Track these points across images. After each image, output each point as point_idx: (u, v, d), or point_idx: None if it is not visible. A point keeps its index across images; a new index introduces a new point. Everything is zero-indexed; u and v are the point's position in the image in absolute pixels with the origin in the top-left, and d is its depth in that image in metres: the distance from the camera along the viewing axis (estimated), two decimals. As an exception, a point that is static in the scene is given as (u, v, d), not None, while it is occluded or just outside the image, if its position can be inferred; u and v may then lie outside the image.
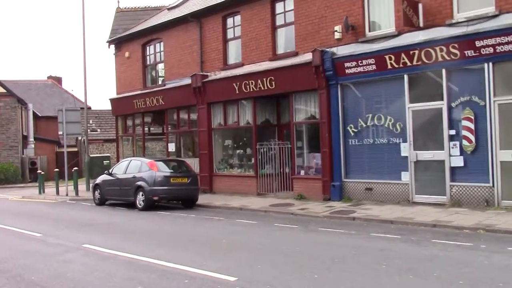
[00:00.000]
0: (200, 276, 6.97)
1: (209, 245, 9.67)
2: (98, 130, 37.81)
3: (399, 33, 13.64)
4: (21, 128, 37.11)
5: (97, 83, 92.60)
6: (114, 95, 24.39)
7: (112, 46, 24.22)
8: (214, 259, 8.09)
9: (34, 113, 39.73)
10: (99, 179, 17.71)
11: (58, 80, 49.61)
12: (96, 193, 17.47)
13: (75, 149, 42.82)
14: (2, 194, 26.06)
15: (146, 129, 23.77)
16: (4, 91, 35.58)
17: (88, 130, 38.27)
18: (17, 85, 40.18)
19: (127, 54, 23.17)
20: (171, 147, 21.02)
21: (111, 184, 16.86)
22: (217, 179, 19.03)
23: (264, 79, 16.80)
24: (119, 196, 16.69)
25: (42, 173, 24.51)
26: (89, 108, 45.76)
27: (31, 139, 37.72)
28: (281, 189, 17.04)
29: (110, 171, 17.39)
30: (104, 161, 33.28)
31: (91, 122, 38.04)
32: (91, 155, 34.47)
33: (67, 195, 20.66)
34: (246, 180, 17.93)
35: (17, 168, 35.51)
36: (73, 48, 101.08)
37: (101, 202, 17.29)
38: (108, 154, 34.39)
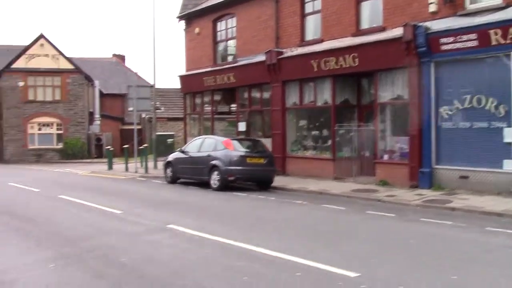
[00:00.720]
0: (310, 268, 6.18)
1: (304, 231, 8.88)
2: (162, 108, 37.74)
3: (507, 5, 12.23)
4: (88, 104, 37.61)
5: (161, 61, 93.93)
6: (181, 72, 23.94)
7: (182, 22, 23.69)
8: (317, 248, 7.29)
9: (99, 90, 40.19)
10: (171, 157, 17.28)
11: (122, 58, 50.06)
12: (168, 170, 17.05)
13: (139, 127, 43.19)
14: (71, 168, 26.37)
15: (215, 107, 23.14)
16: (73, 67, 36.08)
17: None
18: (83, 62, 40.64)
19: (197, 30, 22.58)
20: (241, 126, 20.32)
21: (184, 162, 16.39)
22: (290, 161, 18.21)
23: (346, 56, 15.72)
24: (192, 174, 16.19)
25: (111, 149, 24.37)
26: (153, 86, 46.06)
27: (97, 115, 38.22)
28: (360, 173, 16.02)
29: (183, 149, 16.91)
30: (168, 140, 33.25)
31: (155, 100, 38.08)
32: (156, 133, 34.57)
33: (136, 172, 20.47)
34: (322, 163, 17.02)
35: (84, 143, 36.09)
36: (136, 26, 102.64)
37: (173, 180, 16.86)
38: (172, 133, 34.31)
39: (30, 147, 35.38)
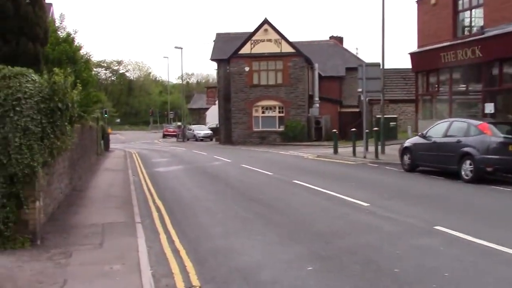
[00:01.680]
0: None
1: None
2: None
3: None
4: (307, 87, 37.71)
5: (378, 40, 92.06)
6: (410, 49, 21.77)
7: (415, -7, 21.44)
8: None
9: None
10: (408, 142, 15.52)
11: (340, 40, 49.27)
12: (406, 157, 15.32)
13: (357, 110, 42.05)
14: (293, 151, 26.42)
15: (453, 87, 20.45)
16: (293, 51, 36.41)
17: (372, 90, 36.81)
18: (301, 46, 40.84)
19: (433, 0, 20.13)
20: (489, 107, 17.39)
21: (425, 149, 14.48)
22: (557, 150, 14.87)
23: None
24: (435, 163, 14.22)
25: (336, 131, 23.41)
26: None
27: (316, 98, 38.05)
28: None
29: (424, 133, 14.98)
30: (390, 123, 31.37)
31: (376, 81, 36.33)
32: (377, 116, 32.91)
33: (364, 157, 19.19)
34: None
35: (304, 126, 36.31)
36: (355, 5, 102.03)
37: (411, 168, 15.09)
38: (395, 115, 32.23)
39: (255, 129, 36.96)
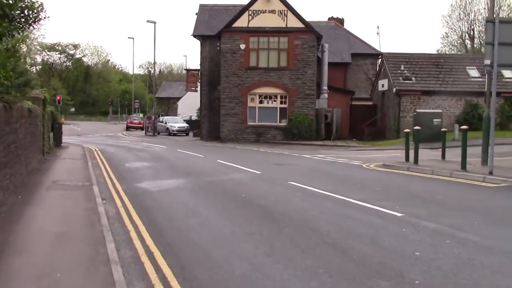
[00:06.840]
0: None
1: None
2: (413, 79, 28.65)
3: None
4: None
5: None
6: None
7: None
8: None
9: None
10: None
11: (340, 21, 42.00)
12: None
13: (370, 103, 34.97)
14: (313, 154, 18.89)
15: None
16: (302, 26, 28.82)
17: (400, 78, 29.71)
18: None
19: None
20: None
21: None
22: None
23: None
24: None
25: (419, 128, 15.28)
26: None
27: (325, 87, 30.46)
28: None
29: None
30: (434, 120, 24.30)
31: (402, 68, 29.18)
32: (417, 110, 25.74)
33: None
34: None
35: (312, 121, 28.75)
36: None
37: None
38: (439, 111, 25.08)
39: (250, 123, 29.18)
